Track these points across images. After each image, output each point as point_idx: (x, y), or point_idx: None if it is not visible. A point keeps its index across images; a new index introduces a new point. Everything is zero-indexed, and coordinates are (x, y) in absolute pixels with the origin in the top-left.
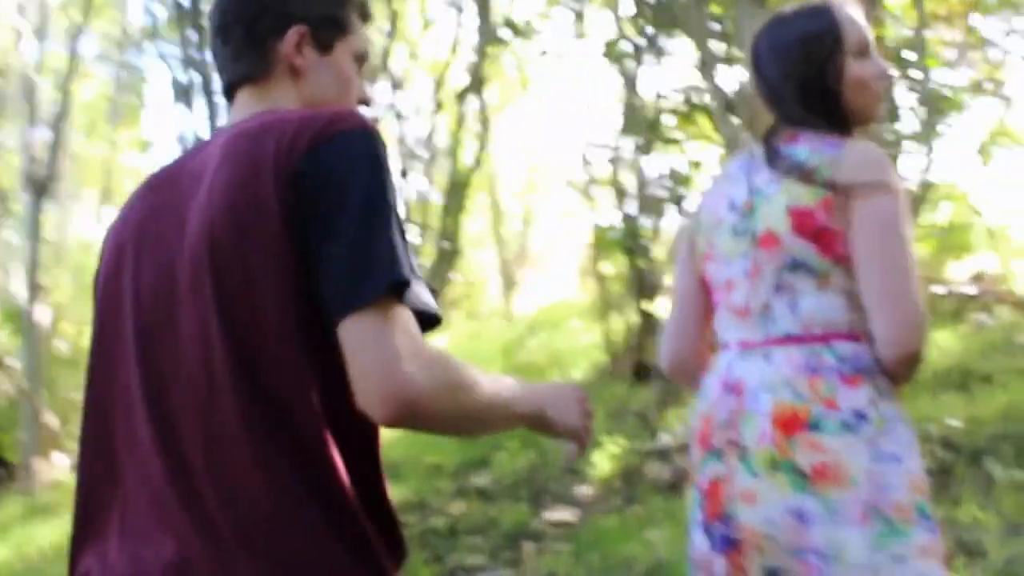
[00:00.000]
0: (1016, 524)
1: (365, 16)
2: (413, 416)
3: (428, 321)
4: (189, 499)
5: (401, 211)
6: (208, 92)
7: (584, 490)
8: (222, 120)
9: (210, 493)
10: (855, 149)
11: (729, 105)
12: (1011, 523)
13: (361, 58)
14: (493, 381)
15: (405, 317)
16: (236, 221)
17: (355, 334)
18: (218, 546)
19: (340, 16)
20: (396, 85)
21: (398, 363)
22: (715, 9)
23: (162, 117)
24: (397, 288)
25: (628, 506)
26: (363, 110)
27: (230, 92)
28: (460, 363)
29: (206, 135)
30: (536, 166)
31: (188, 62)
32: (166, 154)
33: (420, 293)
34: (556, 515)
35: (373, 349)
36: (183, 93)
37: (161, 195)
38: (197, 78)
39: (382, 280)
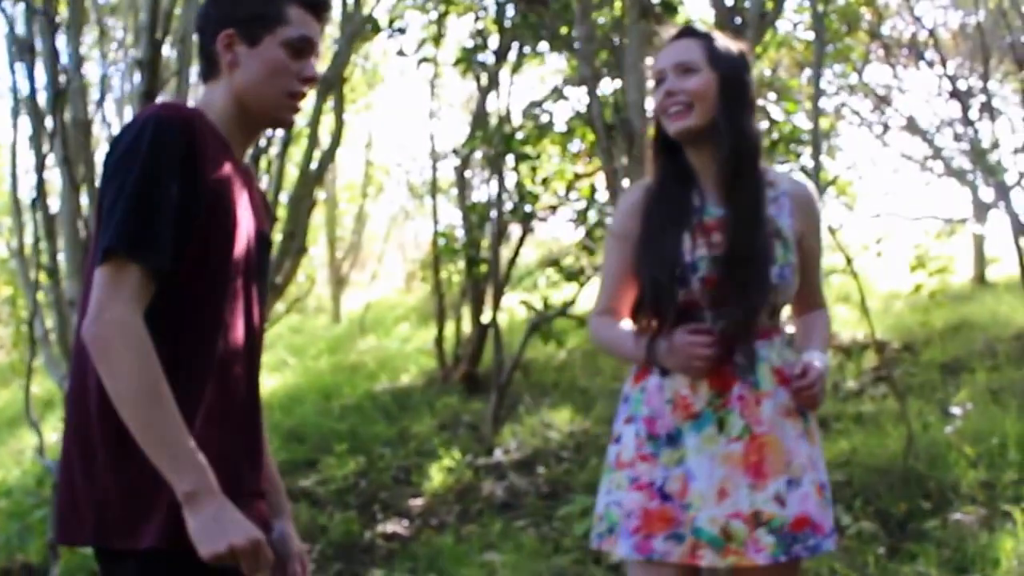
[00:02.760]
0: None
1: (313, 8)
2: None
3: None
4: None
5: (169, 185)
6: (53, 50)
7: (416, 502)
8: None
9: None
10: None
11: (609, 125)
12: None
13: (294, 44)
14: (165, 415)
15: (120, 277)
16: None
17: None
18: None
19: (267, 13)
20: None
21: (91, 317)
22: (601, 29)
23: None
24: (112, 252)
25: (462, 524)
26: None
27: None
28: (139, 349)
29: (41, 94)
30: (374, 165)
31: (32, 13)
32: None
33: (154, 247)
34: (388, 527)
35: (91, 299)
36: (24, 49)
37: None
38: (39, 31)
39: (103, 246)
